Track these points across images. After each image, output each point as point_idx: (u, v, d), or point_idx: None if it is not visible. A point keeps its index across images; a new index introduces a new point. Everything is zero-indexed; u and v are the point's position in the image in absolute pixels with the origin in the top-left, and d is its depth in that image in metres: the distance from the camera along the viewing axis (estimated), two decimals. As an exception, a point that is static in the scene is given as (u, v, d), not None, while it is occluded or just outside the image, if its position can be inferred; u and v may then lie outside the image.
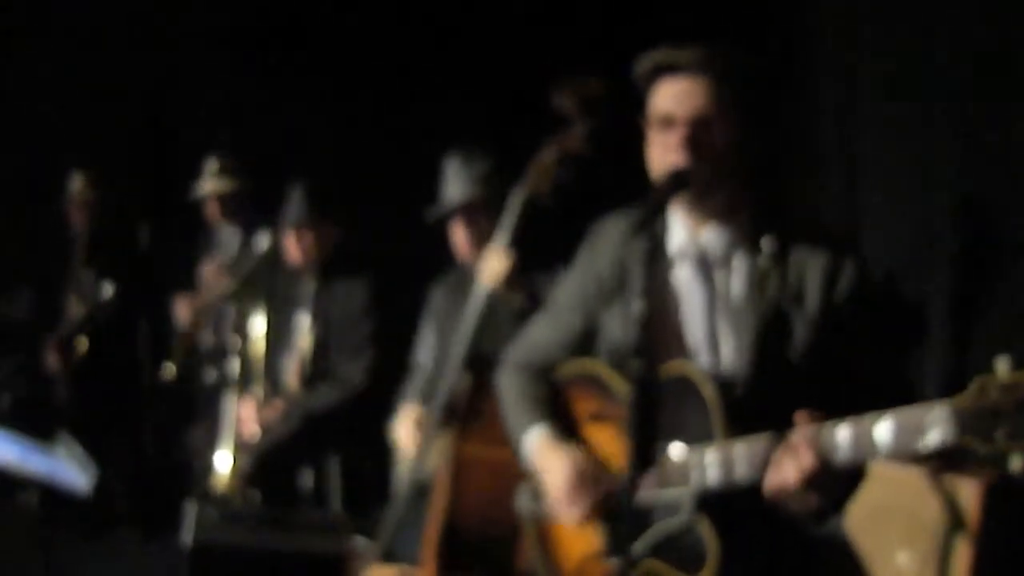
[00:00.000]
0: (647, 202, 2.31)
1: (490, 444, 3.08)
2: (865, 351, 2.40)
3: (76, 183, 5.88)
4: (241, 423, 4.57)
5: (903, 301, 3.94)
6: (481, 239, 3.65)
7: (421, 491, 3.50)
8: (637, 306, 2.19)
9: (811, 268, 2.38)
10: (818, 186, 4.37)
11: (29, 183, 6.04)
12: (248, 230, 5.20)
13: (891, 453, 2.02)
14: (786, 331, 2.37)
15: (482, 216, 3.67)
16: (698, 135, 2.35)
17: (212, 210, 5.40)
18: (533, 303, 3.34)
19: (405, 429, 3.72)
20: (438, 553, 3.20)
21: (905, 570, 3.28)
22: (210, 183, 5.37)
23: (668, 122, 2.39)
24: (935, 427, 1.94)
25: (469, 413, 3.26)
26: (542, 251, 3.39)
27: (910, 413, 1.99)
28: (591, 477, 2.53)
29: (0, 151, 6.01)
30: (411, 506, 3.54)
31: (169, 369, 5.07)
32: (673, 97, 2.38)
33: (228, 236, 5.42)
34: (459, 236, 3.75)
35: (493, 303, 3.40)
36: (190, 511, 3.63)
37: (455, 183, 3.73)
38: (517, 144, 3.37)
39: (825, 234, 2.46)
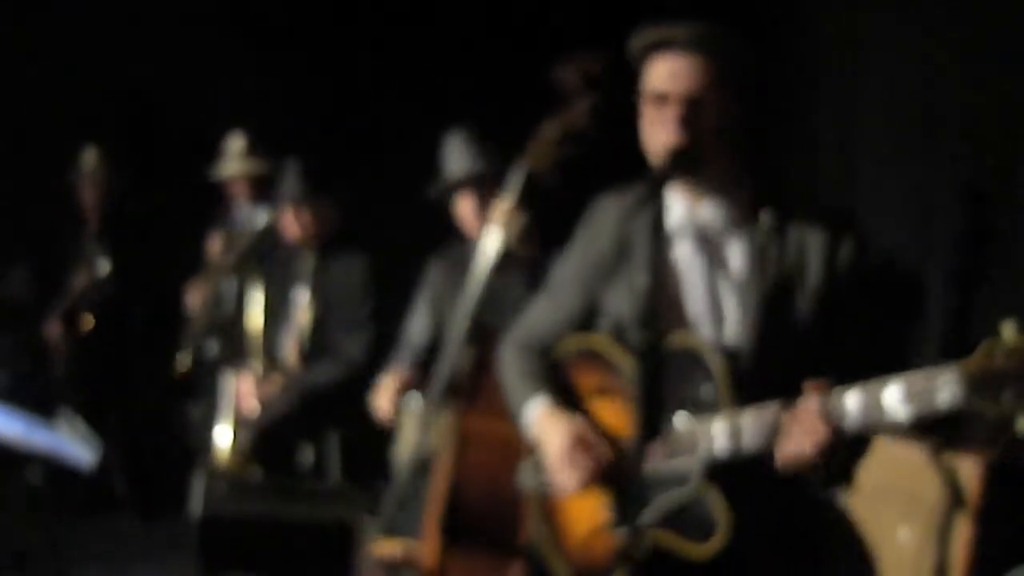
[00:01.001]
0: (649, 180, 2.33)
1: (493, 418, 3.07)
2: (865, 323, 2.42)
3: (88, 158, 5.87)
4: (240, 398, 4.56)
5: (902, 275, 3.95)
6: (487, 213, 3.64)
7: (422, 467, 3.50)
8: (641, 279, 2.22)
9: (811, 242, 2.40)
10: (815, 165, 4.39)
11: (25, 162, 6.01)
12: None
13: (901, 417, 2.04)
14: (789, 303, 2.39)
15: (489, 190, 3.66)
16: (691, 113, 2.36)
17: (239, 191, 5.32)
18: (536, 277, 3.31)
19: (385, 393, 3.72)
20: (441, 528, 3.20)
21: (905, 546, 3.31)
22: (237, 164, 5.30)
23: (662, 99, 2.39)
24: (944, 389, 1.97)
25: (472, 387, 3.26)
26: (544, 227, 3.39)
27: (919, 377, 2.01)
28: (591, 442, 2.51)
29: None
30: (412, 481, 3.55)
31: (182, 361, 5.06)
32: (667, 74, 2.39)
33: (247, 213, 5.33)
34: (465, 210, 3.73)
35: (505, 265, 3.37)
36: (198, 484, 3.63)
37: (460, 157, 3.71)
38: (518, 121, 3.36)
39: (823, 209, 2.48)
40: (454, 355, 3.40)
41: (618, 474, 2.48)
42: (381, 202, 4.91)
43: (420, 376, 3.82)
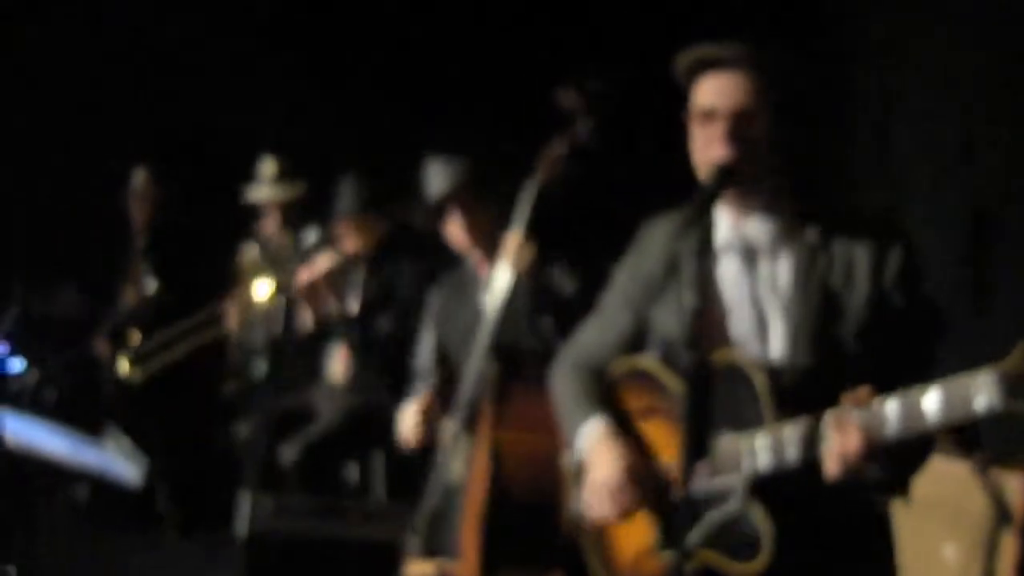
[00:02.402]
0: (696, 198, 2.32)
1: (524, 432, 3.09)
2: (911, 336, 2.39)
3: (138, 178, 5.98)
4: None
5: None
6: (477, 227, 3.68)
7: (451, 489, 3.51)
8: (689, 299, 2.21)
9: (858, 254, 2.39)
10: (856, 172, 4.36)
11: (76, 182, 6.11)
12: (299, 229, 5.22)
13: (941, 422, 2.04)
14: (837, 317, 2.38)
15: (472, 201, 3.70)
16: (740, 128, 2.36)
17: (271, 214, 5.36)
18: (547, 296, 3.43)
19: (410, 420, 3.75)
20: (480, 546, 3.19)
21: (951, 563, 3.26)
22: (268, 189, 5.35)
23: (710, 116, 2.40)
24: (982, 393, 1.96)
25: (500, 404, 3.27)
26: (554, 245, 3.47)
27: (956, 382, 2.01)
28: (638, 478, 2.52)
29: (46, 151, 6.12)
30: (447, 501, 3.55)
31: (228, 386, 5.11)
32: (715, 91, 2.40)
33: (298, 234, 5.31)
34: (455, 227, 3.76)
35: (516, 290, 3.42)
36: (244, 502, 3.65)
37: (439, 178, 3.76)
38: (527, 143, 3.43)
39: (871, 220, 2.46)
40: (473, 381, 3.43)
41: (662, 504, 2.49)
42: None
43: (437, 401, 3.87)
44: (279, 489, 4.38)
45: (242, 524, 3.62)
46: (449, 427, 3.63)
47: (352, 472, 4.88)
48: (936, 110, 3.90)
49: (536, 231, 3.43)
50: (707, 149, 2.40)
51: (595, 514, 2.59)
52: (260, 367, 5.27)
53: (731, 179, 2.36)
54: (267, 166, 5.35)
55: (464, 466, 3.45)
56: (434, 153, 3.81)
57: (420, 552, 3.60)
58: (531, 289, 3.43)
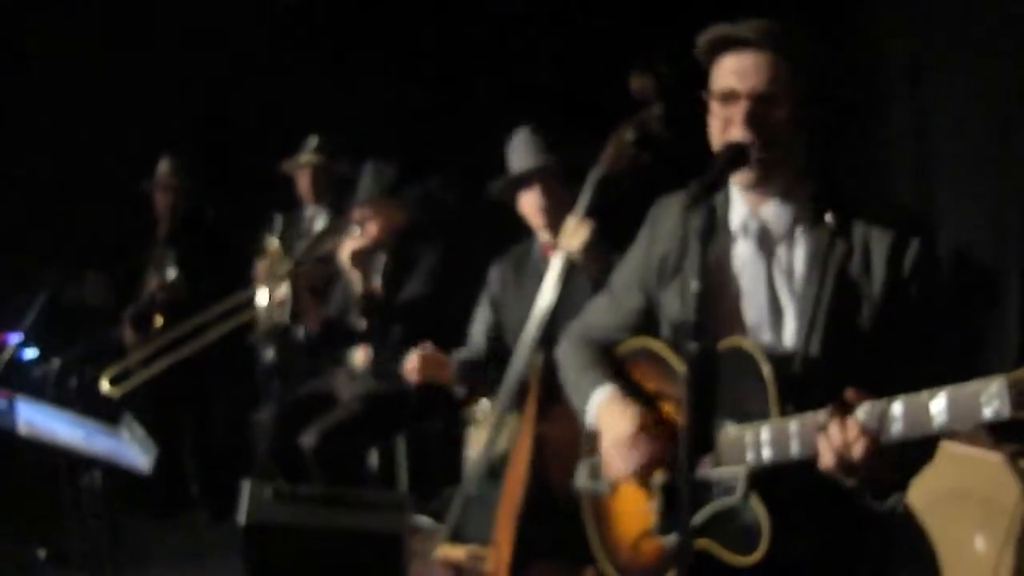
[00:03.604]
0: (703, 176, 2.26)
1: (567, 423, 3.07)
2: (926, 330, 2.33)
3: (163, 167, 6.06)
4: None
5: (975, 271, 3.90)
6: (556, 208, 3.64)
7: (492, 472, 3.50)
8: (693, 284, 2.16)
9: (876, 244, 2.33)
10: (891, 164, 4.34)
11: (104, 171, 6.14)
12: (335, 213, 5.23)
13: (947, 427, 1.98)
14: (851, 308, 2.32)
15: (556, 184, 3.66)
16: (760, 111, 2.32)
17: (303, 184, 5.39)
18: (600, 286, 3.34)
19: (415, 358, 3.83)
20: (514, 537, 3.18)
21: (983, 555, 3.25)
22: (306, 156, 5.38)
23: (730, 97, 2.35)
24: (990, 401, 1.91)
25: (545, 393, 3.25)
26: (619, 232, 3.38)
27: (965, 388, 1.95)
28: (652, 434, 2.49)
29: (71, 141, 6.16)
30: (481, 486, 3.54)
31: (271, 355, 5.13)
32: (735, 72, 2.34)
33: (312, 214, 5.40)
34: (531, 205, 3.73)
35: (572, 275, 3.38)
36: (245, 491, 3.64)
37: (526, 152, 3.72)
38: (595, 126, 3.36)
39: (891, 211, 2.39)
40: (523, 362, 3.41)
41: (673, 470, 2.45)
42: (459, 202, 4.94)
43: (482, 379, 3.87)
44: (299, 476, 4.39)
45: (241, 513, 3.60)
46: (493, 406, 3.62)
47: (373, 459, 4.88)
48: (971, 93, 3.88)
49: (599, 220, 3.37)
50: (725, 132, 2.35)
51: (613, 472, 2.56)
52: (268, 353, 5.27)
53: (742, 159, 2.31)
54: (311, 141, 5.38)
55: (508, 447, 3.44)
56: (523, 125, 3.78)
57: (450, 536, 3.60)
58: (591, 278, 3.36)
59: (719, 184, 2.33)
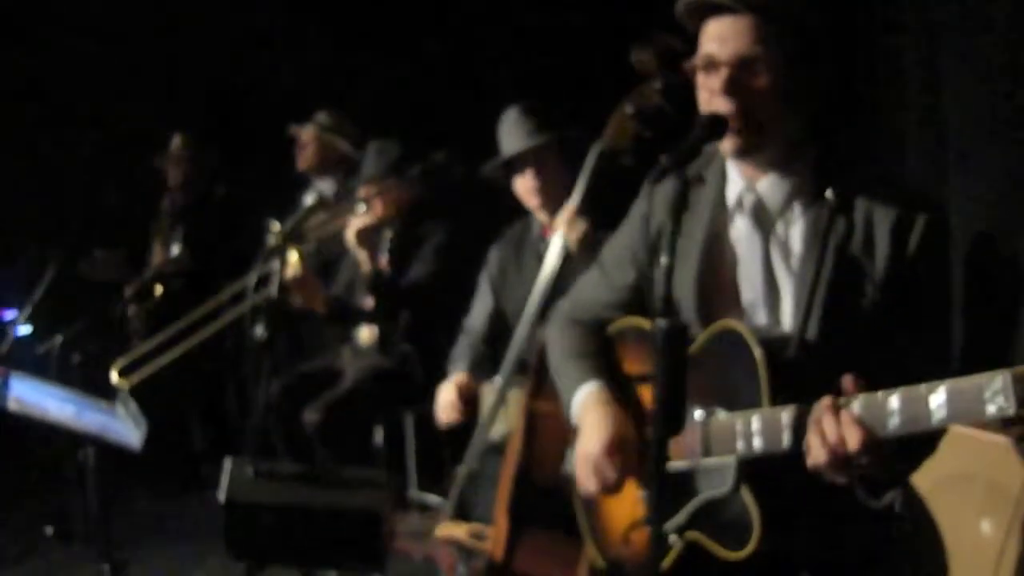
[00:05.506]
0: (679, 147, 2.13)
1: (559, 402, 3.05)
2: (932, 315, 2.23)
3: (176, 141, 6.14)
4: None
5: (1002, 258, 3.83)
6: (551, 187, 3.61)
7: (494, 450, 3.48)
8: (664, 259, 2.02)
9: (880, 221, 2.20)
10: (903, 145, 4.28)
11: (116, 148, 6.19)
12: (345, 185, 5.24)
13: (946, 423, 1.86)
14: (851, 288, 2.20)
15: (550, 162, 3.63)
16: (740, 77, 2.19)
17: (307, 155, 5.42)
18: None
19: (445, 393, 3.81)
20: (509, 513, 3.17)
21: (988, 539, 3.21)
22: (313, 128, 5.42)
23: (711, 65, 2.23)
24: (995, 398, 1.78)
25: (539, 372, 3.23)
26: (619, 209, 3.34)
27: (967, 383, 1.83)
28: (626, 449, 2.41)
29: (91, 117, 6.22)
30: (484, 464, 3.53)
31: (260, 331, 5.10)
32: (715, 38, 2.22)
33: (323, 188, 5.44)
34: (524, 188, 3.70)
35: (570, 260, 3.37)
36: (226, 468, 3.65)
37: (516, 133, 3.68)
38: (596, 100, 3.32)
39: (898, 187, 2.26)
40: (523, 341, 3.39)
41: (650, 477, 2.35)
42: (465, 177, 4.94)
43: (481, 367, 3.84)
44: (302, 454, 4.39)
45: (222, 490, 3.60)
46: (493, 386, 3.61)
47: (378, 435, 4.87)
48: (989, 75, 3.82)
49: (597, 198, 3.33)
50: (709, 101, 2.24)
51: (581, 487, 2.51)
52: (259, 330, 5.26)
53: (721, 130, 2.19)
54: (320, 116, 5.44)
55: (508, 425, 3.42)
56: (514, 104, 3.74)
57: (453, 513, 3.60)
58: (587, 260, 3.31)
59: (689, 157, 2.18)
